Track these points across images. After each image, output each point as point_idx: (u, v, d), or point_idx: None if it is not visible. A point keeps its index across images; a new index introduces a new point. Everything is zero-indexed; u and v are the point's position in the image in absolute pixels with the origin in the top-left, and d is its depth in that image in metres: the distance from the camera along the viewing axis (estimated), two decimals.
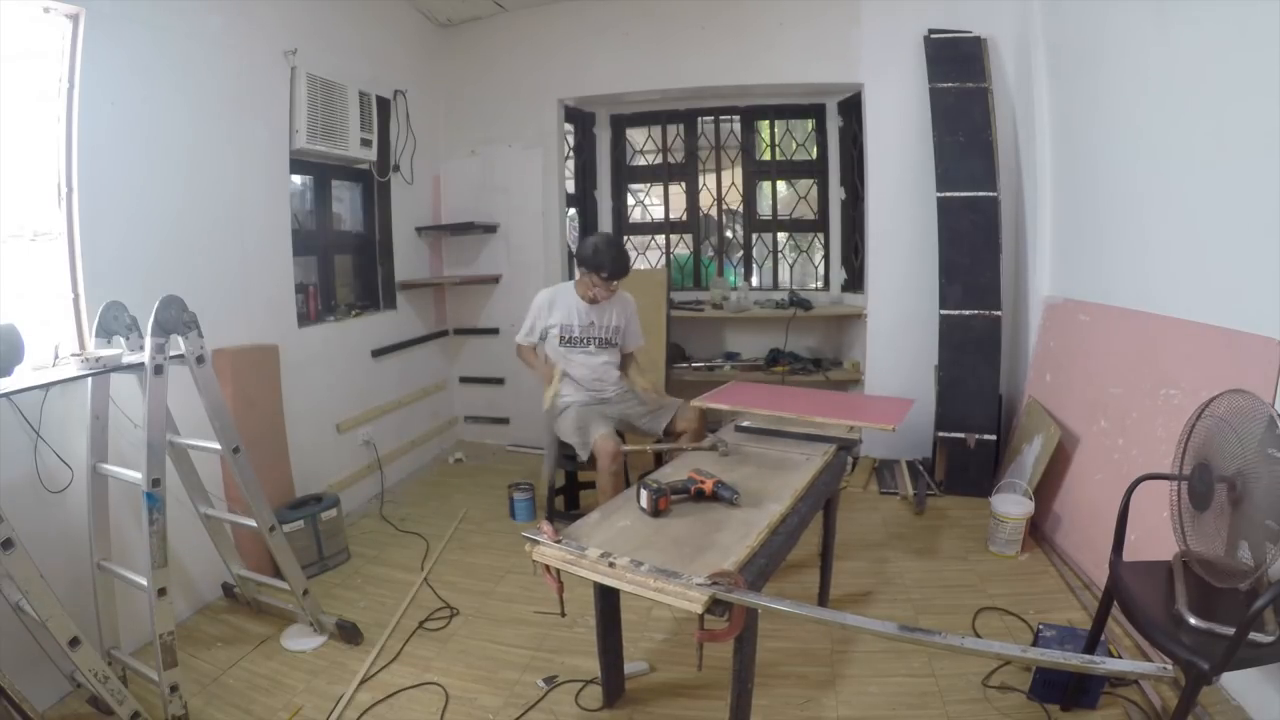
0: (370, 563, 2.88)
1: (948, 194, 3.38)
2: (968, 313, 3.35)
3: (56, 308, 2.10)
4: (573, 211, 4.47)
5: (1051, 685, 1.87)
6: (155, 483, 1.80)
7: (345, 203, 3.70)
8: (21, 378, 1.72)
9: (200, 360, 1.98)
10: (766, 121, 4.39)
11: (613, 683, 1.97)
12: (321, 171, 3.41)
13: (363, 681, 2.07)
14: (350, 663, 2.17)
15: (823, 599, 2.42)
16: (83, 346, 2.08)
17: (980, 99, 3.41)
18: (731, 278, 4.51)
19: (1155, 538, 1.87)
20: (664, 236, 4.63)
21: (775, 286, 4.48)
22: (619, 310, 2.93)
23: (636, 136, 4.62)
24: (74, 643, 1.62)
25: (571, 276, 4.42)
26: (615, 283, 2.78)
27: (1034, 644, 1.97)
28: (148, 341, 1.82)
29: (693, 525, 1.61)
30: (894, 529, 3.09)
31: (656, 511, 1.69)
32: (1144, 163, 2.48)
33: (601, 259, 2.70)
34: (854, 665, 2.11)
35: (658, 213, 4.68)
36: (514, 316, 4.30)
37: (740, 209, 4.50)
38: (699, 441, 2.45)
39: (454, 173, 4.27)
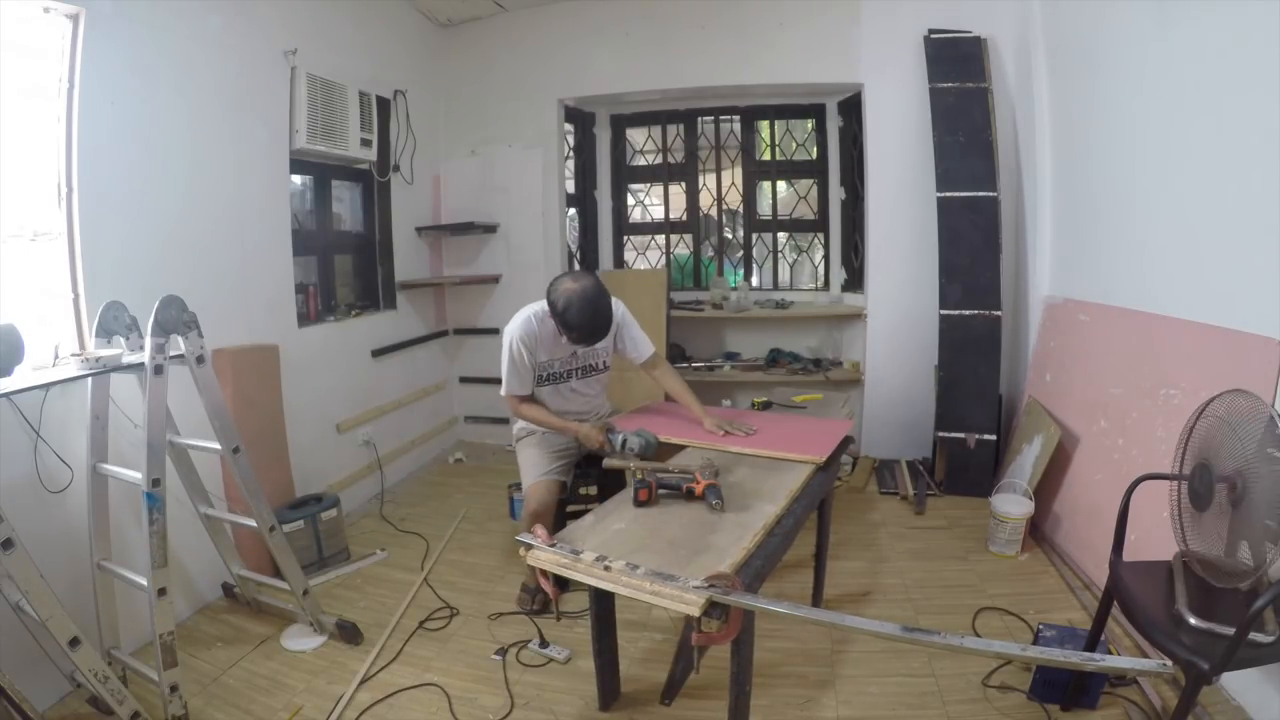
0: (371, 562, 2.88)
1: (948, 194, 3.38)
2: (968, 313, 3.35)
3: (56, 308, 2.10)
4: (573, 211, 4.47)
5: (1052, 685, 1.87)
6: (155, 483, 1.80)
7: (345, 203, 3.70)
8: (21, 378, 1.72)
9: (200, 360, 1.98)
10: (766, 121, 4.39)
11: (609, 685, 1.97)
12: (321, 171, 3.41)
13: (363, 681, 2.08)
14: (350, 663, 2.17)
15: (816, 599, 2.42)
16: (83, 346, 2.08)
17: (980, 99, 3.41)
18: (731, 278, 4.50)
19: (1155, 538, 1.87)
20: (664, 236, 4.63)
21: (775, 286, 4.48)
22: None
23: (636, 136, 4.62)
24: (74, 643, 1.62)
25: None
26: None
27: (1034, 644, 1.97)
28: (148, 341, 1.82)
29: (688, 527, 1.60)
30: (894, 529, 3.08)
31: (638, 502, 1.70)
32: (1144, 162, 2.48)
33: (570, 318, 2.13)
34: (853, 665, 2.11)
35: (658, 213, 4.68)
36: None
37: (740, 209, 4.50)
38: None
39: (454, 173, 4.27)
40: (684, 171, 4.52)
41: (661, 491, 1.75)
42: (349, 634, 2.28)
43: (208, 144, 2.57)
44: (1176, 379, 2.21)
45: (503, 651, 2.21)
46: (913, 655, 2.10)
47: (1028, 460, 2.97)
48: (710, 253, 4.61)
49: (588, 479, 2.49)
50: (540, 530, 1.53)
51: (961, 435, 3.35)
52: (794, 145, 4.40)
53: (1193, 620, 1.44)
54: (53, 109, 2.06)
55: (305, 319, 3.20)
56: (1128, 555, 1.77)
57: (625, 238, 4.69)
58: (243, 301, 2.74)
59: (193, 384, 2.00)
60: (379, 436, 3.60)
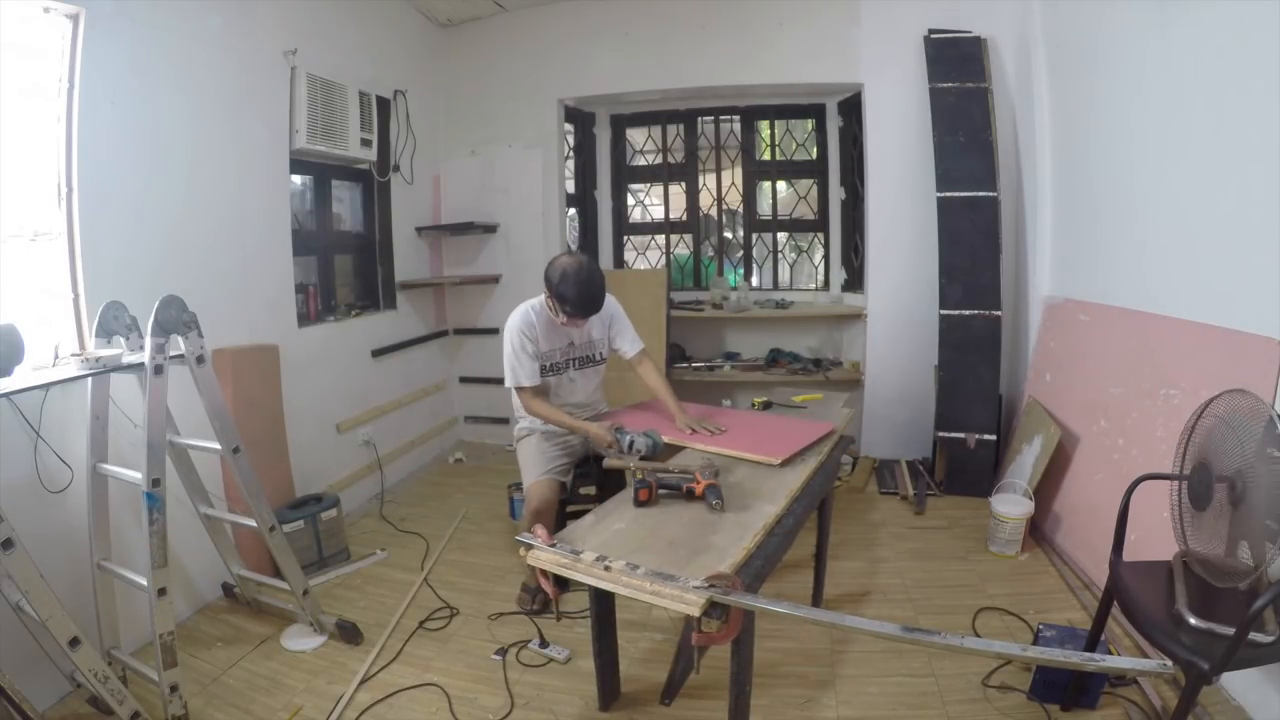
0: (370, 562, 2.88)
1: (948, 194, 3.38)
2: (968, 313, 3.35)
3: (56, 308, 2.10)
4: (573, 211, 4.47)
5: (1052, 685, 1.87)
6: (155, 483, 1.80)
7: (345, 203, 3.70)
8: (21, 378, 1.72)
9: (200, 360, 1.98)
10: (766, 121, 4.39)
11: (609, 685, 1.97)
12: (321, 171, 3.41)
13: (363, 681, 2.08)
14: (350, 663, 2.17)
15: (816, 599, 2.42)
16: (83, 346, 2.08)
17: (980, 99, 3.41)
18: (731, 278, 4.50)
19: (1155, 538, 1.87)
20: (664, 236, 4.63)
21: (775, 286, 4.48)
22: (596, 319, 2.42)
23: (636, 136, 4.62)
24: (74, 643, 1.62)
25: None
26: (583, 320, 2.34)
27: (1034, 644, 1.97)
28: (148, 341, 1.82)
29: (688, 527, 1.60)
30: (894, 529, 3.09)
31: (638, 502, 1.70)
32: (1144, 162, 2.48)
33: (566, 290, 2.18)
34: (853, 665, 2.11)
35: (658, 213, 4.67)
36: None
37: (740, 209, 4.50)
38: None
39: (454, 173, 4.27)
40: (684, 171, 4.52)
41: (661, 491, 1.75)
42: (349, 634, 2.28)
43: (208, 144, 2.57)
44: (1176, 379, 2.21)
45: (503, 651, 2.21)
46: (913, 655, 2.10)
47: (1028, 460, 2.97)
48: (710, 253, 4.61)
49: (588, 479, 2.49)
50: (540, 530, 1.53)
51: (961, 435, 3.35)
52: (794, 145, 4.39)
53: (1193, 620, 1.44)
54: (53, 109, 2.06)
55: (305, 319, 3.20)
56: (1128, 555, 1.77)
57: (625, 238, 4.69)
58: (243, 301, 2.74)
59: (193, 384, 2.00)
60: (379, 436, 3.60)
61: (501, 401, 4.37)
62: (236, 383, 2.56)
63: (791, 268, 4.53)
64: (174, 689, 1.81)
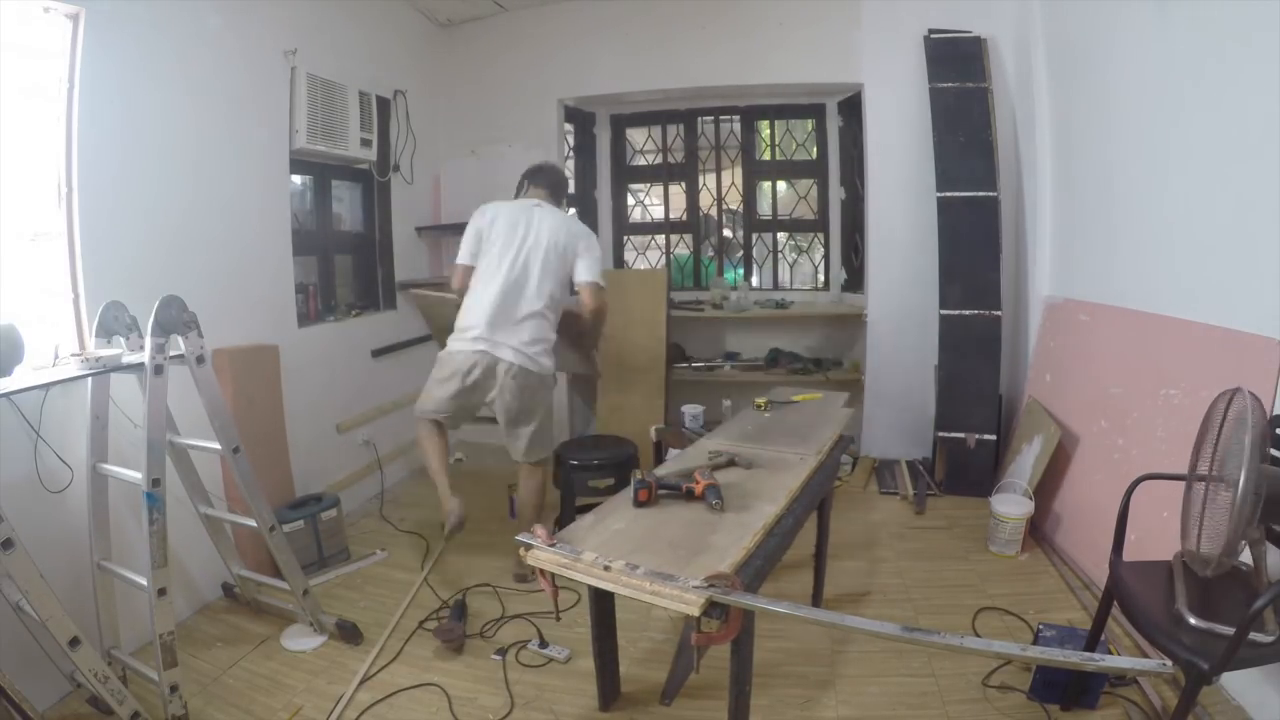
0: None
1: (948, 194, 3.38)
2: (968, 313, 3.35)
3: (56, 308, 2.10)
4: (573, 211, 4.47)
5: (1052, 685, 1.87)
6: (155, 483, 1.80)
7: (345, 203, 3.70)
8: (21, 378, 1.72)
9: (200, 360, 1.98)
10: (766, 121, 4.39)
11: (609, 685, 1.97)
12: (321, 171, 3.40)
13: (363, 681, 2.07)
14: (350, 663, 2.17)
15: (816, 599, 2.42)
16: (83, 346, 2.08)
17: (980, 99, 3.41)
18: (731, 278, 4.50)
19: (1155, 538, 1.87)
20: (664, 236, 4.63)
21: (775, 286, 4.48)
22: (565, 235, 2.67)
23: (636, 136, 4.62)
24: (74, 643, 1.62)
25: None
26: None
27: (1034, 644, 1.97)
28: (148, 341, 1.82)
29: (688, 527, 1.60)
30: (894, 529, 3.09)
31: (638, 502, 1.70)
32: (1144, 162, 2.48)
33: (528, 169, 2.73)
34: (853, 665, 2.11)
35: (658, 213, 4.68)
36: None
37: (740, 209, 4.50)
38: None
39: (454, 173, 4.27)
40: (684, 171, 4.53)
41: (661, 491, 1.75)
42: (349, 634, 2.27)
43: (208, 144, 2.57)
44: (1176, 379, 2.21)
45: (503, 651, 2.21)
46: (913, 655, 2.10)
47: (1028, 460, 2.97)
48: (710, 253, 4.62)
49: (601, 472, 2.48)
50: (540, 530, 1.53)
51: (961, 435, 3.35)
52: (794, 145, 4.40)
53: (1193, 620, 1.44)
54: (53, 109, 2.06)
55: (305, 319, 3.19)
56: (1128, 555, 1.77)
57: (625, 238, 4.69)
58: (243, 301, 2.74)
59: (193, 384, 1.99)
60: (379, 436, 3.60)
61: None
62: (236, 383, 2.56)
63: (791, 268, 4.54)
64: (174, 689, 1.81)
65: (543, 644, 2.23)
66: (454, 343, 2.63)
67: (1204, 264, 2.16)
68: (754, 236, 4.51)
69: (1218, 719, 1.79)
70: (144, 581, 1.80)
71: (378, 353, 3.64)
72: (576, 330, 2.79)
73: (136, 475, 1.82)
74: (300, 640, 2.29)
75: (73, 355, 1.91)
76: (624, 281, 4.11)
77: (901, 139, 3.63)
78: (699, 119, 4.42)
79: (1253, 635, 1.31)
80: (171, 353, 1.89)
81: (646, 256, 4.69)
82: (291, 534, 2.59)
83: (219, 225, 2.64)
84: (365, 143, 3.38)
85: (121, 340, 2.00)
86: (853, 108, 3.94)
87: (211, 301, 2.27)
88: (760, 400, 2.66)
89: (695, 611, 1.28)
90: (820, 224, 4.34)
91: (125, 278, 2.19)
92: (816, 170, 4.30)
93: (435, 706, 1.98)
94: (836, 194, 4.23)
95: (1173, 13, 2.25)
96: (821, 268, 4.42)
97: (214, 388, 2.03)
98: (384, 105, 3.62)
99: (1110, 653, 1.90)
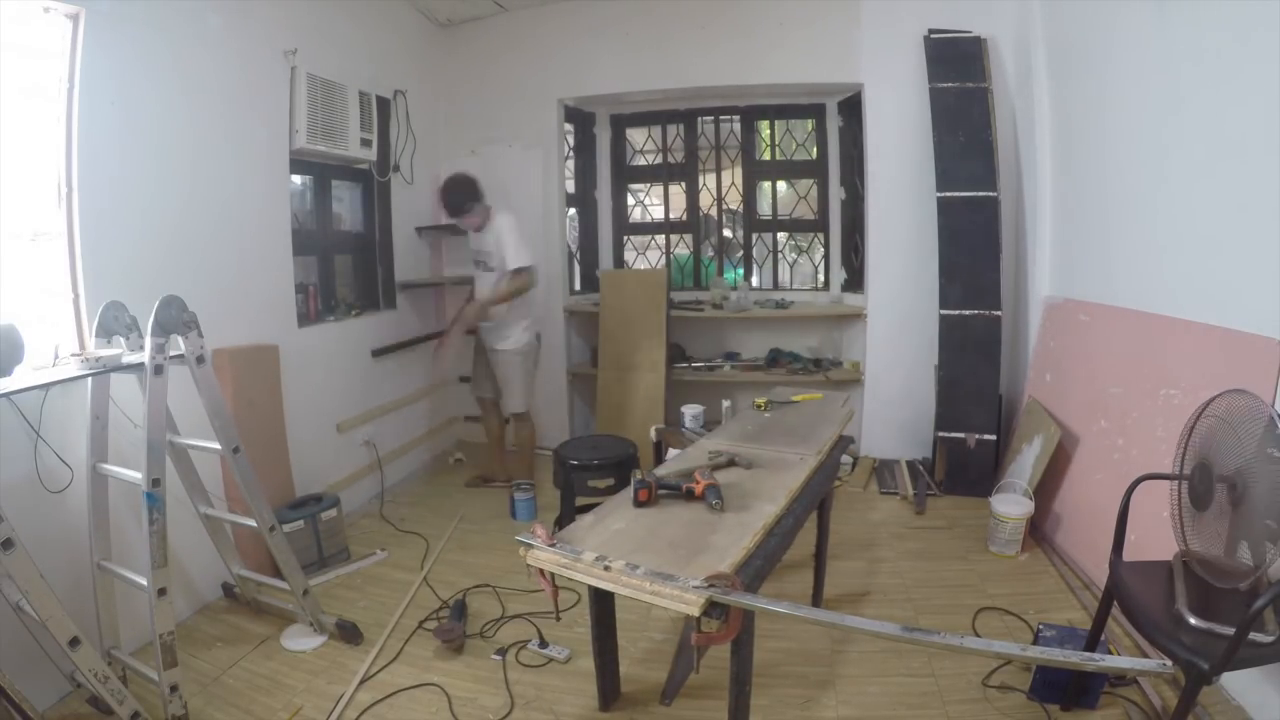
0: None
1: (948, 194, 3.38)
2: (968, 313, 3.35)
3: (56, 308, 2.10)
4: (573, 211, 4.47)
5: (1052, 685, 1.87)
6: (155, 483, 1.80)
7: (345, 203, 3.70)
8: (21, 378, 1.72)
9: (200, 360, 1.98)
10: (766, 121, 4.39)
11: (609, 685, 1.97)
12: (321, 171, 3.41)
13: (363, 681, 2.07)
14: (350, 663, 2.17)
15: (816, 599, 2.42)
16: (83, 346, 2.08)
17: (980, 99, 3.41)
18: (731, 278, 4.51)
19: (1155, 538, 1.87)
20: (664, 236, 4.63)
21: (775, 286, 4.48)
22: (490, 233, 3.30)
23: (636, 136, 4.62)
24: (74, 643, 1.62)
25: (571, 276, 4.44)
26: (461, 219, 3.29)
27: (1034, 644, 1.97)
28: (148, 341, 1.82)
29: (688, 527, 1.60)
30: (894, 529, 3.09)
31: (638, 502, 1.70)
32: (1144, 162, 2.48)
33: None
34: (853, 665, 2.11)
35: (658, 213, 4.68)
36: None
37: (740, 209, 4.50)
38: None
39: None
40: (684, 171, 4.52)
41: (661, 491, 1.75)
42: (349, 634, 2.28)
43: (208, 144, 2.57)
44: (1176, 379, 2.21)
45: (503, 652, 2.21)
46: (913, 655, 2.10)
47: (1028, 460, 2.97)
48: (710, 253, 4.61)
49: (601, 472, 2.49)
50: (540, 530, 1.53)
51: (961, 435, 3.35)
52: (794, 145, 4.40)
53: (1193, 620, 1.44)
54: (53, 109, 2.06)
55: (305, 319, 3.19)
56: (1128, 555, 1.77)
57: (625, 238, 4.69)
58: (243, 301, 2.74)
59: (193, 384, 1.99)
60: (379, 436, 3.60)
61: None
62: (236, 383, 2.56)
63: (791, 268, 4.54)
64: (174, 689, 1.81)
65: (543, 644, 2.23)
66: (528, 334, 3.43)
67: (1203, 264, 2.16)
68: (754, 236, 4.51)
69: (1218, 719, 1.79)
70: (144, 581, 1.80)
71: (378, 353, 3.64)
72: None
73: (136, 475, 1.82)
74: (300, 640, 2.29)
75: (73, 355, 1.91)
76: (624, 281, 4.11)
77: (901, 139, 3.63)
78: (699, 119, 4.42)
79: (1253, 635, 1.31)
80: (171, 353, 1.89)
81: (646, 256, 4.69)
82: (291, 534, 2.59)
83: (219, 225, 2.64)
84: (365, 143, 3.38)
85: (121, 340, 2.00)
86: (853, 108, 3.94)
87: (211, 301, 2.27)
88: (760, 400, 2.65)
89: (695, 611, 1.28)
90: (820, 224, 4.34)
91: (125, 278, 2.19)
92: (816, 170, 4.30)
93: (435, 706, 1.98)
94: (836, 194, 4.23)
95: (1172, 12, 2.25)
96: (821, 268, 4.42)
97: (214, 388, 2.03)
98: (384, 105, 3.62)
99: (1110, 653, 1.90)
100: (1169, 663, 1.24)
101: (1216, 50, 2.06)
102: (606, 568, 1.41)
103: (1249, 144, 1.90)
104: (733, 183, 4.48)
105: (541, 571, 1.51)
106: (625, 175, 4.63)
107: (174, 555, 1.95)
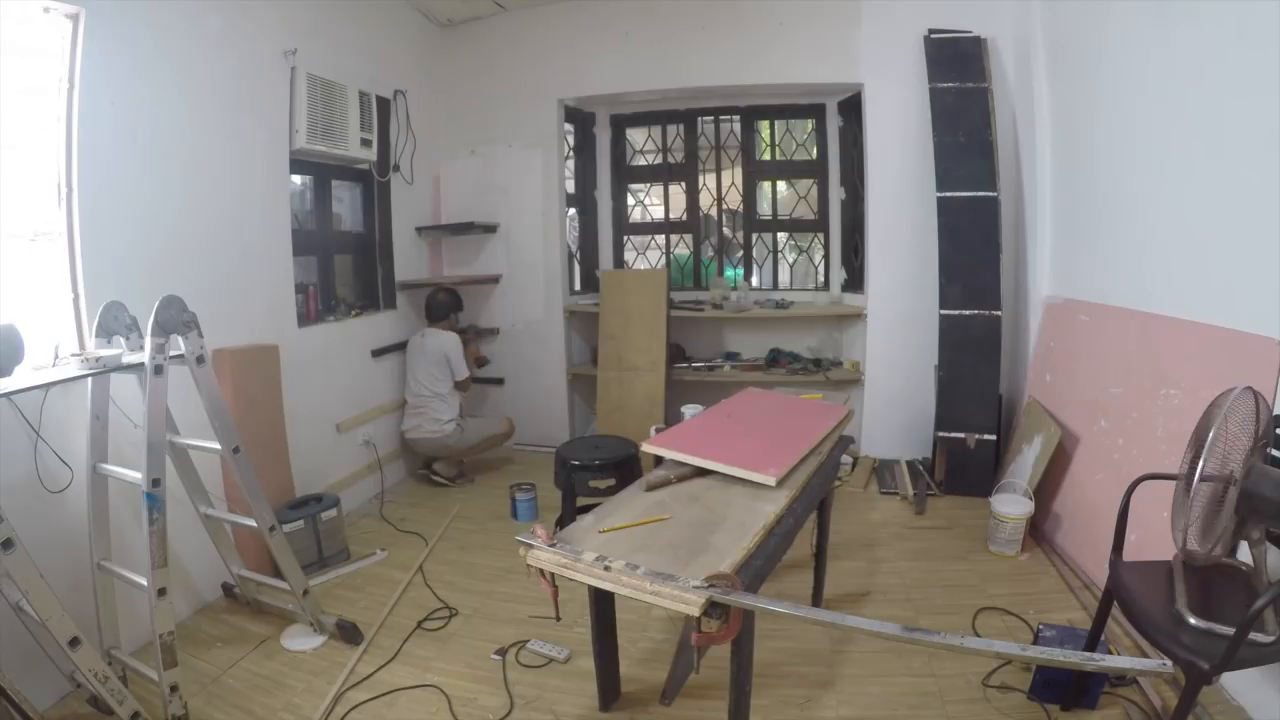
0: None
1: (948, 194, 3.38)
2: (968, 313, 3.35)
3: (56, 308, 2.10)
4: (573, 211, 4.47)
5: (1052, 685, 1.87)
6: (155, 483, 1.80)
7: (345, 203, 3.70)
8: (21, 378, 1.72)
9: (200, 360, 1.98)
10: (766, 121, 4.39)
11: (609, 685, 1.97)
12: (321, 171, 3.41)
13: (358, 682, 2.07)
14: (350, 663, 2.17)
15: (817, 599, 2.42)
16: (83, 346, 2.08)
17: (980, 99, 3.41)
18: (731, 278, 4.51)
19: (1155, 538, 1.87)
20: (664, 236, 4.63)
21: (775, 286, 4.48)
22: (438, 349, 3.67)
23: (636, 136, 4.62)
24: (74, 643, 1.62)
25: (571, 276, 4.44)
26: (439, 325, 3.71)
27: (1034, 644, 1.97)
28: (148, 341, 1.82)
29: (688, 527, 1.60)
30: (894, 529, 3.09)
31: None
32: (1144, 162, 2.48)
33: None
34: (854, 665, 2.11)
35: (658, 213, 4.68)
36: (514, 316, 4.33)
37: (740, 209, 4.50)
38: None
39: (454, 173, 4.27)
40: (684, 171, 4.52)
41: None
42: (349, 634, 2.27)
43: (208, 144, 2.57)
44: (1176, 379, 2.21)
45: (503, 652, 2.21)
46: (913, 655, 2.10)
47: (1028, 460, 2.97)
48: (710, 253, 4.61)
49: (601, 472, 2.49)
50: (540, 530, 1.53)
51: (961, 435, 3.35)
52: (794, 145, 4.40)
53: (1193, 620, 1.44)
54: (53, 109, 2.06)
55: (305, 319, 3.20)
56: (1128, 555, 1.77)
57: (625, 238, 4.69)
58: (243, 301, 2.74)
59: (193, 384, 1.99)
60: (379, 436, 3.61)
61: (502, 401, 4.40)
62: (236, 383, 2.56)
63: (791, 268, 4.54)
64: (174, 689, 1.81)
65: (543, 644, 2.23)
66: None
67: (1204, 264, 2.16)
68: (754, 236, 4.51)
69: (1218, 719, 1.79)
70: (144, 581, 1.80)
71: (378, 353, 3.65)
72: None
73: (136, 475, 1.82)
74: (300, 640, 2.29)
75: (73, 355, 1.91)
76: (624, 282, 4.11)
77: (901, 139, 3.63)
78: (699, 119, 4.42)
79: (1253, 635, 1.31)
80: (171, 353, 1.89)
81: (646, 256, 4.69)
82: (291, 534, 2.59)
83: (219, 225, 2.64)
84: (365, 143, 3.38)
85: (121, 340, 2.00)
86: (852, 108, 3.94)
87: (211, 301, 2.28)
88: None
89: (695, 611, 1.28)
90: (820, 224, 4.34)
91: (125, 277, 2.19)
92: (816, 170, 4.30)
93: (435, 706, 1.98)
94: (836, 194, 4.23)
95: (1172, 13, 2.25)
96: (821, 268, 4.42)
97: (214, 388, 2.03)
98: (384, 105, 3.62)
99: (1110, 653, 1.90)
100: (1169, 663, 1.24)
101: (1216, 50, 2.06)
102: (607, 568, 1.41)
103: (1249, 143, 1.90)
104: (733, 183, 4.48)
105: (541, 572, 1.51)
106: (625, 175, 4.63)
107: (174, 555, 1.95)
